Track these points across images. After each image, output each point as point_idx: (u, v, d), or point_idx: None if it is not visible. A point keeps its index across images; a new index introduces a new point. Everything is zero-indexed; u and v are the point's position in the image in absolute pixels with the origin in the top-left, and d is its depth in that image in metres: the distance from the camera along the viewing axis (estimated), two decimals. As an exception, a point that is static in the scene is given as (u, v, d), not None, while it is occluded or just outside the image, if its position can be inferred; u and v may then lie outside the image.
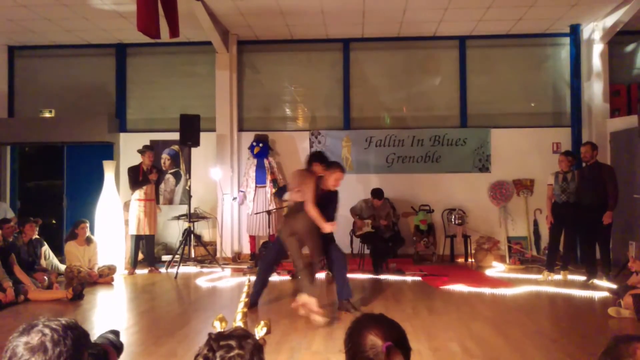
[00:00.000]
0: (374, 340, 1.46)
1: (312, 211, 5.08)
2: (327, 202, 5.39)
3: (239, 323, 1.66)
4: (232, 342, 1.36)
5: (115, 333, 1.82)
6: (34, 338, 1.27)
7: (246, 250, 9.18)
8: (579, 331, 4.63)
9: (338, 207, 5.74)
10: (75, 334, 1.33)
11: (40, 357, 1.25)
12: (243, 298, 1.88)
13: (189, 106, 9.10)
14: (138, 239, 8.00)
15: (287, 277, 7.30)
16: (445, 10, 8.02)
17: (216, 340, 1.37)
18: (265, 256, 6.09)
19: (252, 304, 5.37)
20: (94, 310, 5.81)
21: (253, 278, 5.43)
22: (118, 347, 1.75)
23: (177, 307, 5.97)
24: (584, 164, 7.14)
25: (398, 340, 1.48)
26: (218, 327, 1.48)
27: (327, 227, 5.15)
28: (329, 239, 5.51)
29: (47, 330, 1.29)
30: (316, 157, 5.55)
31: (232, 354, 1.34)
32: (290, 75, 9.59)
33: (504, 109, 9.29)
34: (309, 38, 9.34)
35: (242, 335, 1.40)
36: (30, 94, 9.82)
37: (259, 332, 1.51)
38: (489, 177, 9.07)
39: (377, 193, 7.94)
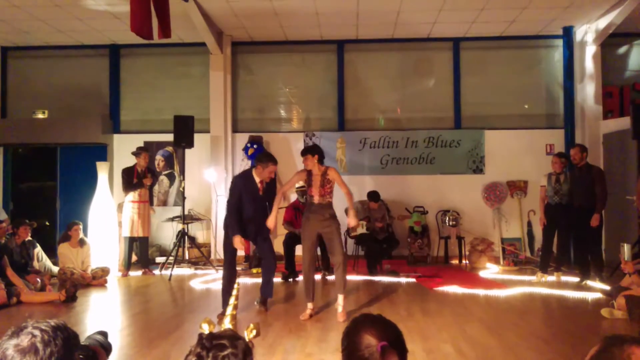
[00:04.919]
0: (370, 340, 1.47)
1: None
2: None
3: (228, 326, 1.66)
4: (225, 342, 1.36)
5: (103, 334, 1.82)
6: (24, 340, 1.27)
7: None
8: (572, 332, 4.65)
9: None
10: (65, 335, 1.33)
11: (32, 358, 1.25)
12: (232, 301, 1.88)
13: (183, 107, 9.08)
14: (131, 240, 7.98)
15: (279, 280, 7.26)
16: (439, 11, 8.04)
17: (209, 340, 1.37)
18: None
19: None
20: (87, 313, 5.78)
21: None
22: (106, 348, 1.75)
23: (171, 309, 5.94)
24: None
25: (394, 341, 1.48)
26: (206, 329, 1.48)
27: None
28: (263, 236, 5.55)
29: (37, 332, 1.29)
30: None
31: (225, 352, 1.34)
32: (284, 77, 9.58)
33: (497, 110, 9.32)
34: (303, 39, 9.34)
35: (233, 336, 1.41)
36: (23, 95, 9.77)
37: (249, 335, 1.51)
38: (483, 179, 9.09)
39: (373, 196, 7.97)
